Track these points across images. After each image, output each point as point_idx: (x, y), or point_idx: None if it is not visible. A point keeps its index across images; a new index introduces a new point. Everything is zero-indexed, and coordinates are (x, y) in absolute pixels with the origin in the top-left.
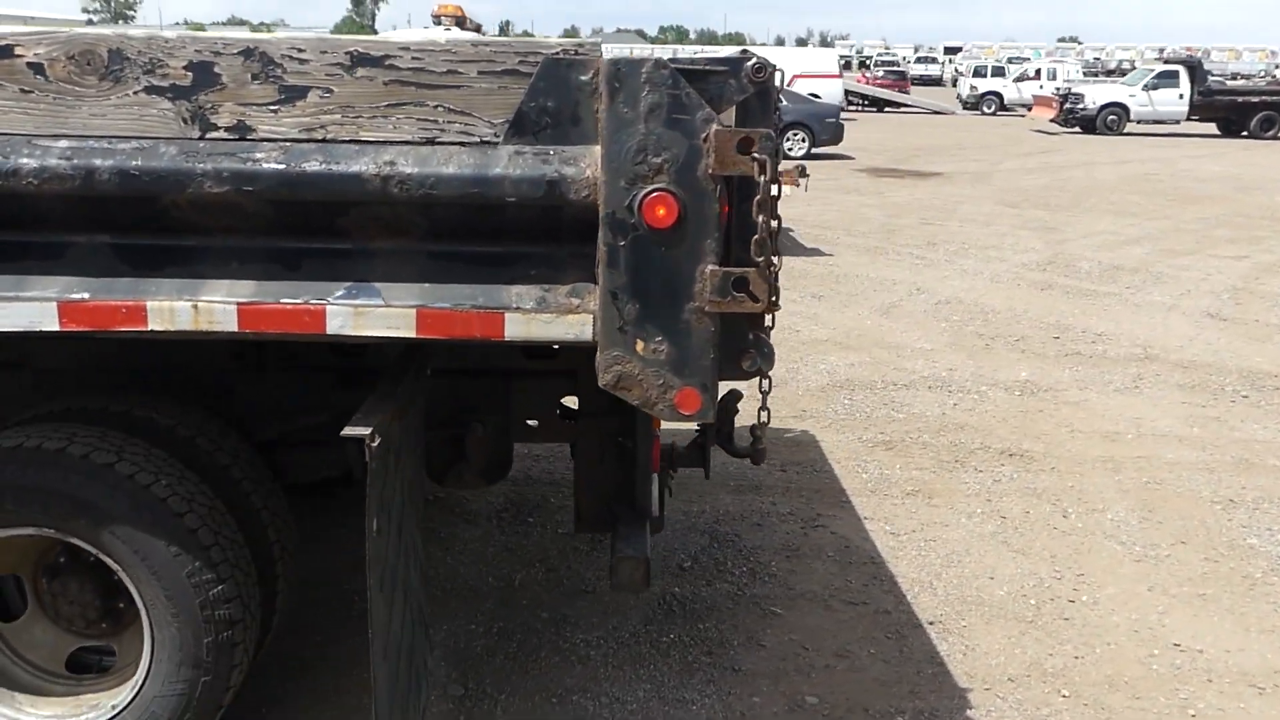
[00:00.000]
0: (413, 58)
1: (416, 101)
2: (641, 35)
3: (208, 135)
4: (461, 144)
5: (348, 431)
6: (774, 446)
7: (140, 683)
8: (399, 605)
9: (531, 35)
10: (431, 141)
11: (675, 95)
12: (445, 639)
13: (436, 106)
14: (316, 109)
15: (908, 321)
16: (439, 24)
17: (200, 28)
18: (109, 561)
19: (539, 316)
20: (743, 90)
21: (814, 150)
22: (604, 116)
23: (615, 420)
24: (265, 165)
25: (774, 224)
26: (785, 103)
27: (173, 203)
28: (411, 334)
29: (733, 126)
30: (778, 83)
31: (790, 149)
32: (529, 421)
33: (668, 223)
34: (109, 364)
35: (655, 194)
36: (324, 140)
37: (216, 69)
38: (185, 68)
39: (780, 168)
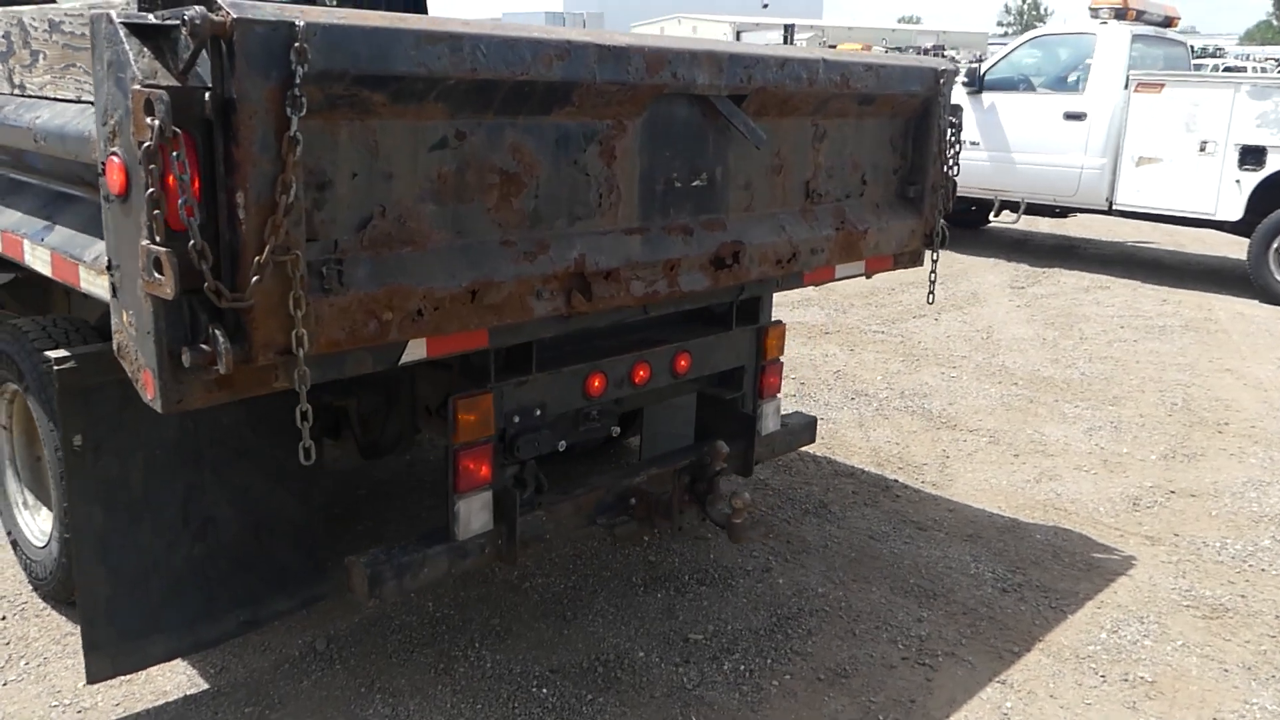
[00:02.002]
0: (80, 23)
1: (76, 64)
2: None
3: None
4: (67, 100)
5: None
6: None
7: None
8: (157, 529)
9: None
10: (78, 100)
11: (118, 51)
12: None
13: (82, 69)
14: (45, 69)
15: None
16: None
17: None
18: None
19: (91, 273)
20: (191, 47)
21: None
22: (93, 74)
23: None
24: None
25: (238, 198)
26: None
27: None
28: (49, 273)
29: (164, 87)
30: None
31: None
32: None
33: (120, 189)
34: None
35: (109, 158)
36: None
37: (11, 37)
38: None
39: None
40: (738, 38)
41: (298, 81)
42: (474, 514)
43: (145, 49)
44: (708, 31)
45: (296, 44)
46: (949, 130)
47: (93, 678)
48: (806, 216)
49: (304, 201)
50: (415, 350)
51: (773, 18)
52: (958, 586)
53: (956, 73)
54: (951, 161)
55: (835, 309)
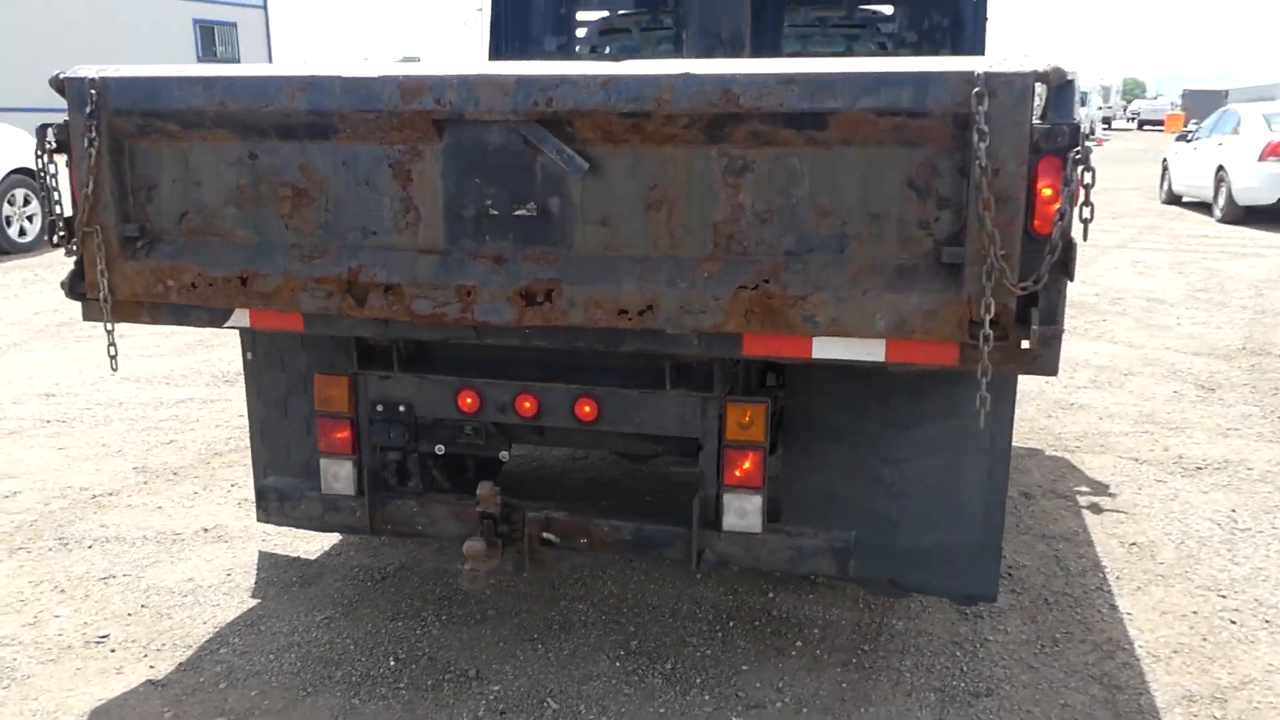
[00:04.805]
0: None
1: None
2: None
3: None
4: None
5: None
6: None
7: None
8: None
9: None
10: None
11: None
12: None
13: None
14: None
15: None
16: None
17: None
18: None
19: None
20: None
21: None
22: None
23: None
24: None
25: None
26: None
27: None
28: None
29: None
30: None
31: None
32: None
33: None
34: None
35: None
36: None
37: None
38: None
39: None
40: None
41: (89, 116)
42: (335, 476)
43: None
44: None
45: (91, 91)
46: (1020, 167)
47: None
48: (704, 267)
49: (139, 195)
50: (240, 318)
51: None
52: None
53: (1034, 78)
54: (1056, 219)
55: None
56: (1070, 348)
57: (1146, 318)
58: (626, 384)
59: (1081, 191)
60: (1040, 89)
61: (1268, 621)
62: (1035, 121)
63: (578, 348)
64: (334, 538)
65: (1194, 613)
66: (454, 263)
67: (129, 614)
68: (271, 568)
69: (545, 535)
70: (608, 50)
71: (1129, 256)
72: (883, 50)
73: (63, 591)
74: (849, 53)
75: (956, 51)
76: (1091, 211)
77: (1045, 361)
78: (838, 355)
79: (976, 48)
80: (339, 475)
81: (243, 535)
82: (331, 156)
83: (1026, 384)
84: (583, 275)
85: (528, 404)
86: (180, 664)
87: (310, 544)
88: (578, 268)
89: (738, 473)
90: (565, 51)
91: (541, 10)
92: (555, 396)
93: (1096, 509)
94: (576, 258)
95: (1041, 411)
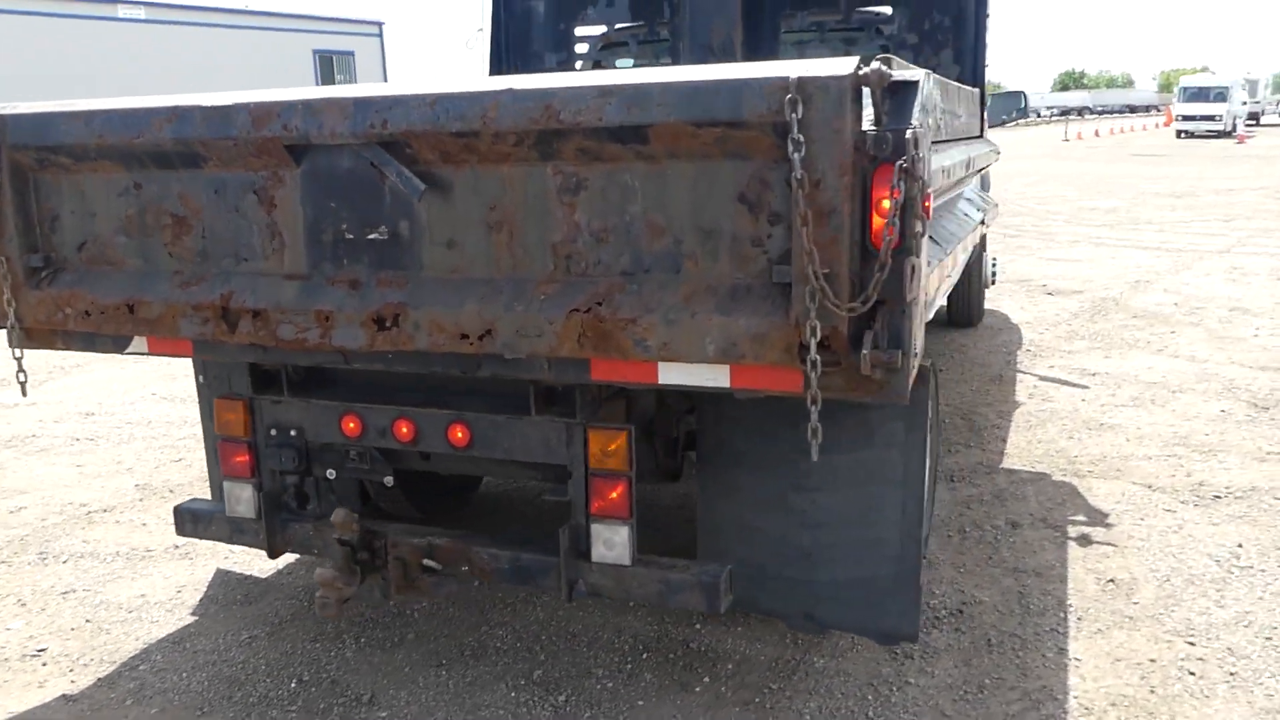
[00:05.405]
0: None
1: None
2: None
3: None
4: None
5: None
6: None
7: None
8: None
9: None
10: None
11: None
12: None
13: None
14: None
15: None
16: None
17: None
18: None
19: None
20: None
21: None
22: None
23: None
24: None
25: None
26: None
27: None
28: None
29: None
30: None
31: None
32: None
33: None
34: None
35: None
36: None
37: None
38: None
39: None
40: None
41: None
42: (237, 499)
43: None
44: None
45: None
46: (842, 178)
47: None
48: (542, 289)
49: (44, 226)
50: (139, 345)
51: None
52: None
53: (853, 82)
54: (885, 235)
55: None
56: (1123, 363)
57: (1222, 329)
58: (497, 409)
59: (901, 203)
60: (870, 94)
61: (1232, 674)
62: (870, 129)
63: (435, 373)
64: (291, 555)
65: (1151, 661)
66: (314, 287)
67: (72, 628)
68: (221, 585)
69: (426, 562)
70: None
71: (1227, 262)
72: (883, 53)
73: (23, 605)
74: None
75: (959, 52)
76: (923, 225)
77: (892, 389)
78: (682, 381)
79: (979, 47)
80: (240, 498)
81: (208, 552)
82: (205, 185)
83: (1058, 403)
84: (427, 299)
85: (405, 429)
86: (99, 679)
87: (267, 561)
88: (425, 291)
89: (603, 503)
90: (566, 67)
91: (540, 27)
92: (430, 421)
93: (1085, 541)
94: (426, 280)
95: (1064, 432)
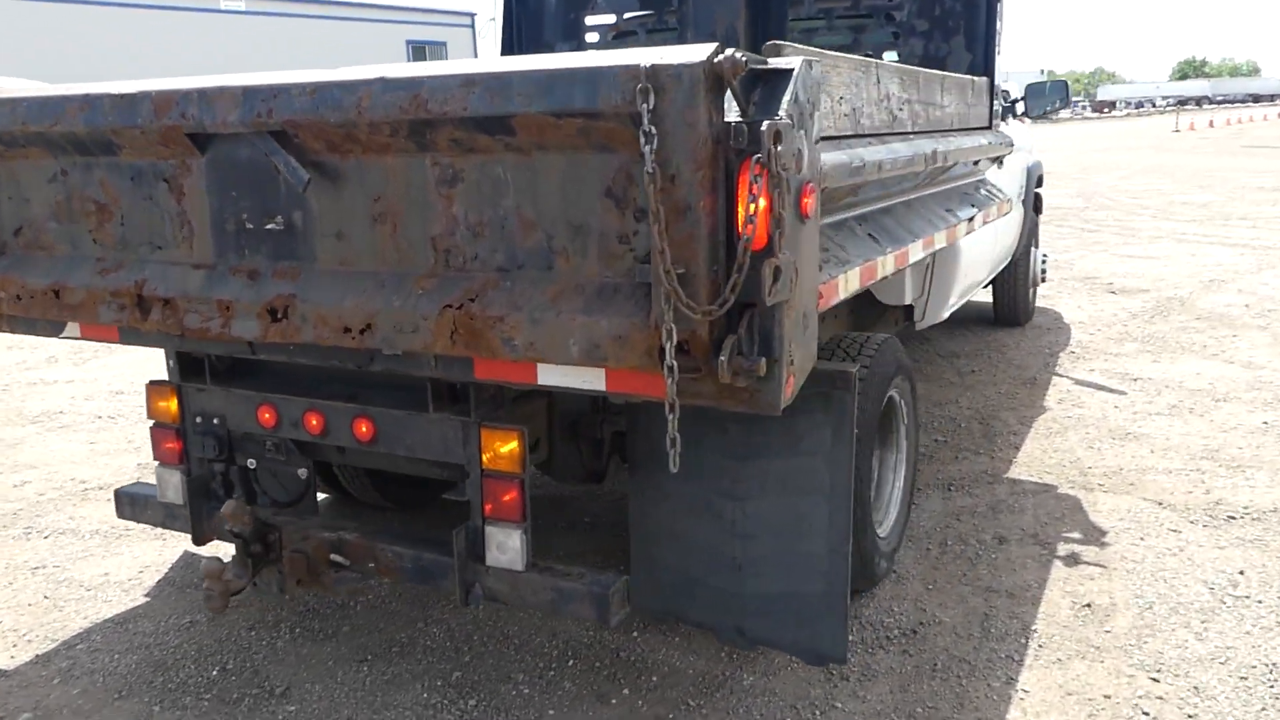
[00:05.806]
0: None
1: None
2: None
3: None
4: None
5: None
6: None
7: None
8: None
9: None
10: None
11: None
12: None
13: None
14: None
15: None
16: None
17: None
18: None
19: None
20: None
21: None
22: None
23: None
24: None
25: None
26: None
27: None
28: None
29: None
30: None
31: None
32: None
33: None
34: None
35: None
36: None
37: None
38: None
39: None
40: None
41: None
42: (167, 485)
43: None
44: None
45: None
46: (697, 172)
47: None
48: (421, 284)
49: None
50: (72, 329)
51: None
52: None
53: (707, 69)
54: (744, 233)
55: None
56: (1171, 368)
57: None
58: (400, 405)
59: (762, 201)
60: (729, 84)
61: (1190, 717)
62: (736, 120)
63: (335, 365)
64: None
65: (1106, 697)
66: (218, 277)
67: (29, 604)
68: (183, 567)
69: (334, 557)
70: None
71: None
72: (894, 40)
73: None
74: (856, 45)
75: (970, 39)
76: (781, 224)
77: (763, 398)
78: (559, 382)
79: (990, 34)
80: (170, 484)
81: (182, 534)
82: (122, 173)
83: (1087, 409)
84: (315, 291)
85: (314, 421)
86: (36, 656)
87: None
88: (314, 283)
89: (496, 505)
90: None
91: (551, 17)
92: (337, 415)
93: (1072, 560)
94: (317, 272)
95: (1084, 441)
